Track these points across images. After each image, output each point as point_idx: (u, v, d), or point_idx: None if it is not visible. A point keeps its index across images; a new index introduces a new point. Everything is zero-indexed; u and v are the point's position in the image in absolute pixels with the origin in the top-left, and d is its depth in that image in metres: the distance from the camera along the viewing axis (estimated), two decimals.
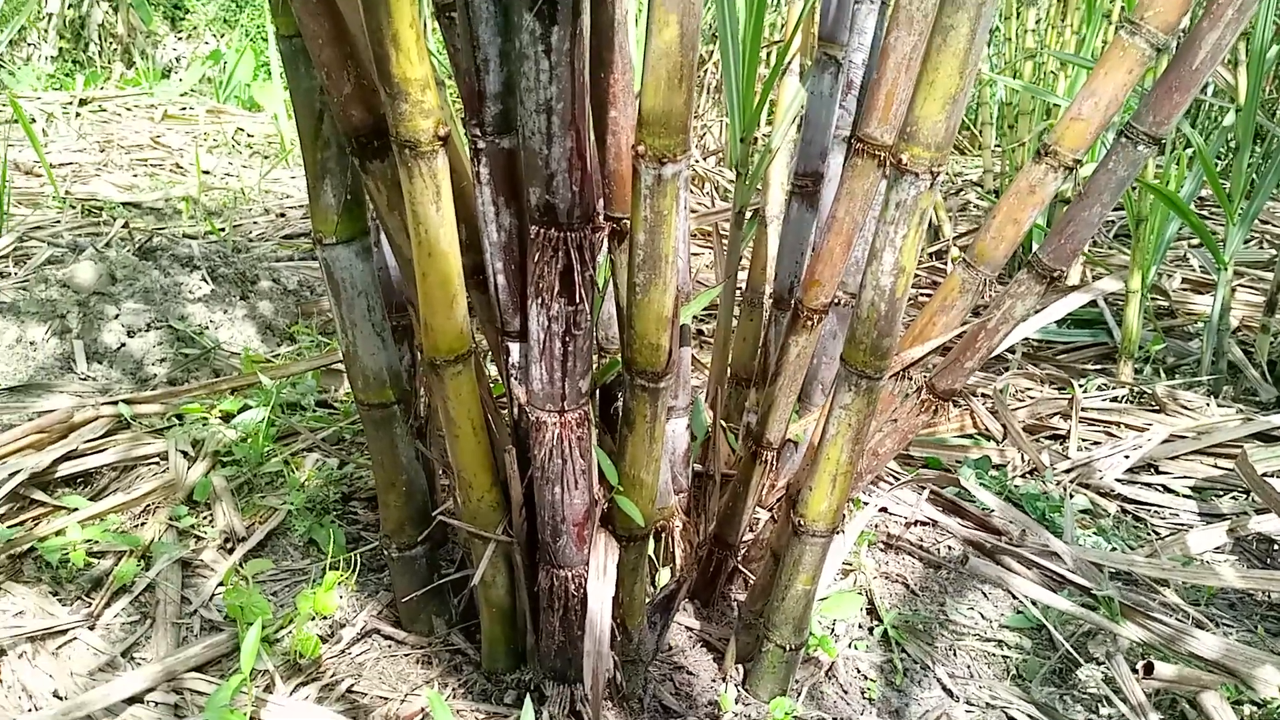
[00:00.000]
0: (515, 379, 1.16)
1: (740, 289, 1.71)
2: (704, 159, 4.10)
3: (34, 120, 4.07)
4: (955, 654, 1.45)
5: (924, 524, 1.74)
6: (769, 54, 3.42)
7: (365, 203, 1.20)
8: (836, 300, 1.53)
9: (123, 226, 2.92)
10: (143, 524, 1.58)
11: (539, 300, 1.04)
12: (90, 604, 1.42)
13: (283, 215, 3.35)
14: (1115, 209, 3.56)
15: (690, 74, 0.96)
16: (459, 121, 1.22)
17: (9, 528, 1.51)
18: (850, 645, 1.45)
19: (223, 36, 5.88)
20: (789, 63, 1.71)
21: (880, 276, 1.06)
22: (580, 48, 0.94)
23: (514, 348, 1.15)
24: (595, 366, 1.30)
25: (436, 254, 1.02)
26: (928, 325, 1.34)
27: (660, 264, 1.03)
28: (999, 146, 3.69)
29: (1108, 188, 1.24)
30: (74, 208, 3.14)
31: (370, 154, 1.09)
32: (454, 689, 1.30)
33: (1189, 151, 2.72)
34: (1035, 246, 1.86)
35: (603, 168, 1.18)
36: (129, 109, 4.51)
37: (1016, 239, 1.27)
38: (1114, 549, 1.71)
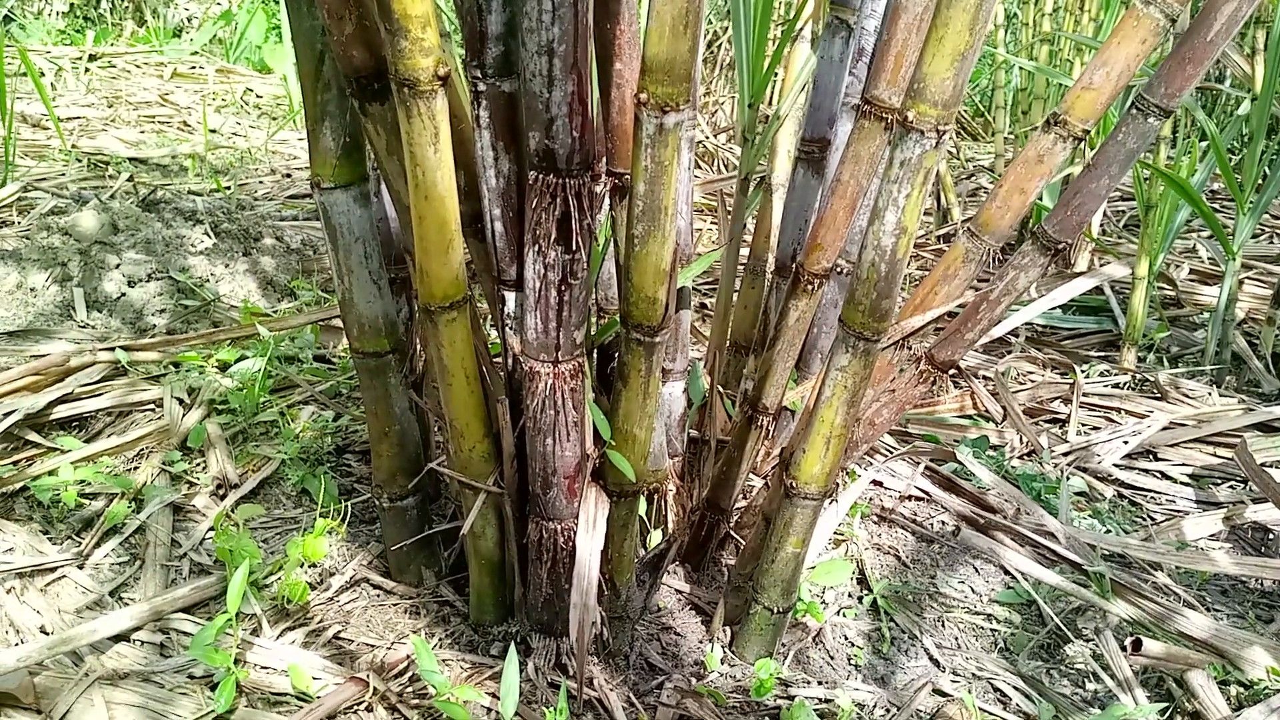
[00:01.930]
0: (510, 328, 1.15)
1: (743, 262, 1.70)
2: (714, 135, 4.07)
3: (43, 74, 4.05)
4: (944, 625, 1.45)
5: (918, 498, 1.74)
6: (782, 29, 3.40)
7: (365, 147, 1.19)
8: (839, 269, 1.52)
9: (127, 180, 2.91)
10: (135, 468, 1.58)
11: (535, 247, 1.04)
12: (80, 543, 1.42)
13: (288, 176, 3.34)
14: (1125, 198, 3.54)
15: (696, 21, 0.94)
16: (462, 67, 1.21)
17: (1, 466, 1.51)
18: (839, 613, 1.44)
19: None
20: (800, 29, 1.69)
21: (882, 237, 1.05)
22: None
23: (510, 297, 1.14)
24: (594, 326, 1.29)
25: (433, 197, 1.01)
26: (929, 295, 1.33)
27: (659, 215, 1.02)
28: (1012, 133, 3.66)
29: (1116, 159, 1.23)
30: (80, 161, 3.13)
31: (370, 96, 1.08)
32: (441, 639, 1.30)
33: (1203, 144, 2.70)
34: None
35: (606, 121, 1.17)
36: (138, 66, 4.49)
37: (1023, 209, 1.26)
38: (1109, 531, 1.70)
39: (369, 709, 1.18)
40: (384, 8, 0.92)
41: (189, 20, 5.58)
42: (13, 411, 1.60)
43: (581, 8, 0.92)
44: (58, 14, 5.20)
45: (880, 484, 1.76)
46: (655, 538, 1.47)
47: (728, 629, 1.36)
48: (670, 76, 0.94)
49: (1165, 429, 2.07)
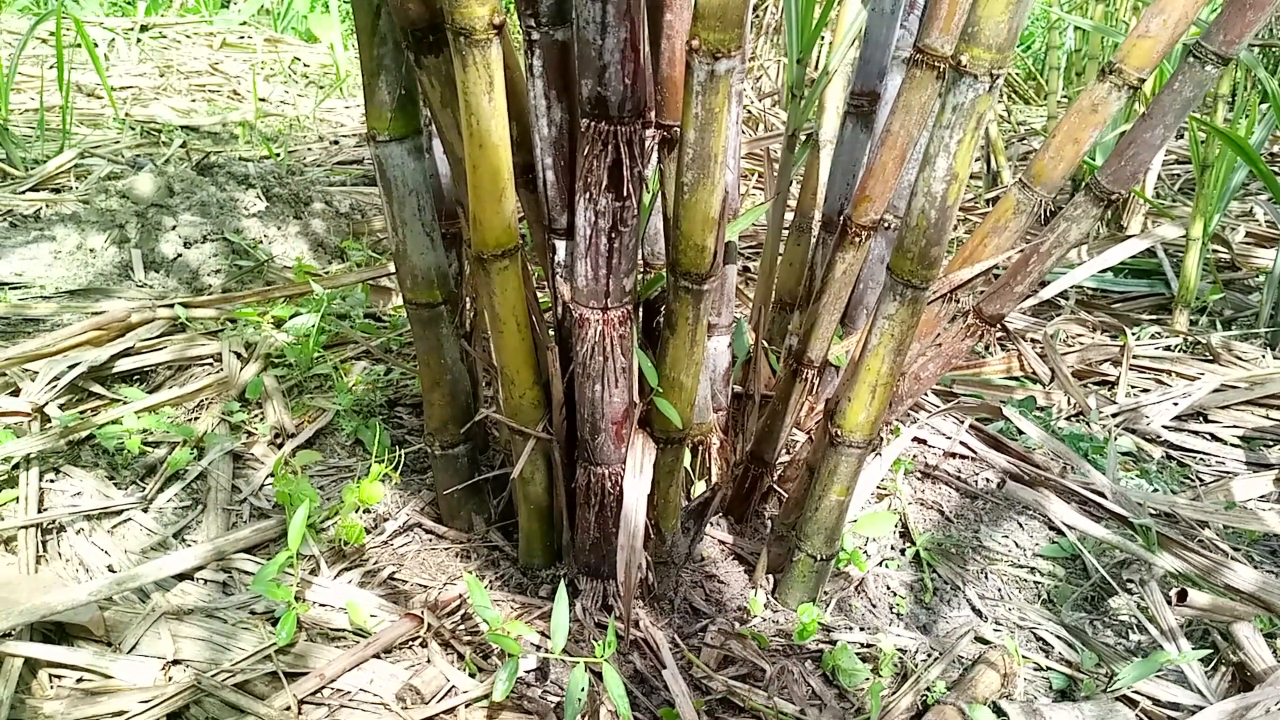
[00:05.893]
0: (560, 276, 1.17)
1: (787, 224, 1.69)
2: (758, 100, 4.05)
3: (97, 44, 4.12)
4: (986, 577, 1.45)
5: (963, 456, 1.74)
6: None
7: (419, 101, 1.21)
8: (886, 224, 1.51)
9: (180, 147, 2.97)
10: (196, 418, 1.63)
11: (587, 195, 1.05)
12: (144, 488, 1.47)
13: (336, 143, 3.38)
14: (1181, 162, 3.47)
15: None
16: (516, 16, 1.22)
17: (67, 415, 1.57)
18: (881, 564, 1.46)
19: None
20: None
21: (932, 183, 1.05)
22: None
23: (560, 245, 1.16)
24: (640, 281, 1.31)
25: (487, 146, 1.02)
26: (979, 247, 1.32)
27: (709, 163, 1.03)
28: (1065, 95, 3.59)
29: (1172, 108, 1.21)
30: (133, 129, 3.19)
31: (425, 48, 1.10)
32: (491, 580, 1.34)
33: (1264, 106, 2.63)
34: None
35: (655, 73, 1.17)
36: (188, 36, 4.56)
37: (1076, 159, 1.25)
38: (1156, 491, 1.69)
39: (423, 644, 1.21)
40: None
41: None
42: (77, 364, 1.65)
43: None
44: None
45: (924, 441, 1.76)
46: (699, 489, 1.49)
47: (770, 577, 1.38)
48: (723, 22, 0.94)
49: (1216, 391, 2.04)
